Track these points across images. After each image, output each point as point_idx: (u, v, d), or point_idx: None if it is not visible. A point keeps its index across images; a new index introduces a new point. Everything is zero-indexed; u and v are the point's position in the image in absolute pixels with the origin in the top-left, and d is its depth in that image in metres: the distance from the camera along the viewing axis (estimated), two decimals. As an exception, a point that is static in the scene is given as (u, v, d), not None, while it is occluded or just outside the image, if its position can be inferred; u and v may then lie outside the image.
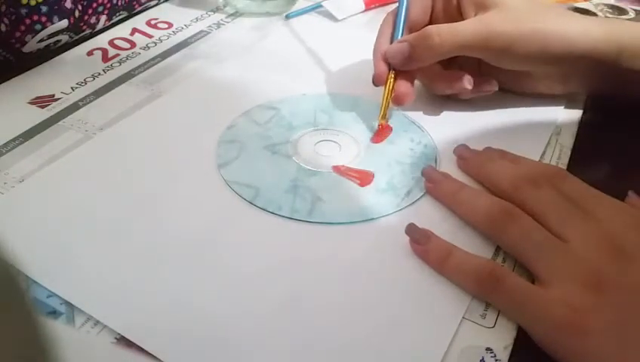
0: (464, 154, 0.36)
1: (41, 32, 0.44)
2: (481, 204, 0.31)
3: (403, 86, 0.39)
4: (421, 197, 0.34)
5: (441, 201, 0.33)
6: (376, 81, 0.39)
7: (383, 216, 0.33)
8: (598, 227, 0.28)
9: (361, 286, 0.29)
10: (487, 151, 0.36)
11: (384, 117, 0.38)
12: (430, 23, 0.41)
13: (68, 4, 0.45)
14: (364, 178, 0.35)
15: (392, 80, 0.39)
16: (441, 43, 0.37)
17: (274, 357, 0.25)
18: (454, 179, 0.34)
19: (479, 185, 0.34)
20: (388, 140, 0.38)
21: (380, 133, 0.39)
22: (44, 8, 0.43)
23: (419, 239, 0.30)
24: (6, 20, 0.42)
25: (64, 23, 0.45)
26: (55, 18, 0.45)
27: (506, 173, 0.32)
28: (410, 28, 0.40)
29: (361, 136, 0.38)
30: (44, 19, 0.44)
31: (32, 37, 0.44)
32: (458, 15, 0.39)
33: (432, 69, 0.40)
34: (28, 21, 0.43)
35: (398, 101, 0.38)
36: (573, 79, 0.40)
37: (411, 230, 0.31)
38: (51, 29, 0.45)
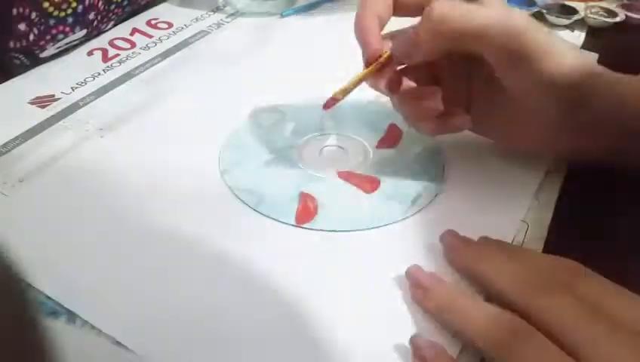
0: (454, 244, 0.29)
1: (62, 41, 0.45)
2: (481, 315, 0.24)
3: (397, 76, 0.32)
4: (429, 204, 0.33)
5: (427, 309, 0.27)
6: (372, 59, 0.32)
7: (390, 224, 0.32)
8: (631, 342, 0.22)
9: (364, 297, 0.28)
10: (483, 242, 0.29)
11: (344, 92, 0.32)
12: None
13: (91, 16, 0.46)
14: (370, 184, 0.34)
15: (385, 54, 0.32)
16: (452, 28, 0.29)
17: None
18: (445, 283, 0.27)
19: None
20: (395, 147, 0.37)
21: (387, 138, 0.38)
22: (70, 19, 0.44)
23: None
24: (35, 30, 0.43)
25: (83, 32, 0.47)
26: (77, 28, 0.46)
27: (507, 273, 0.26)
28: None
29: (368, 142, 0.37)
30: (67, 29, 0.45)
31: (53, 45, 0.45)
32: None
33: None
34: (54, 31, 0.44)
35: (391, 86, 0.32)
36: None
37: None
38: (71, 38, 0.46)
